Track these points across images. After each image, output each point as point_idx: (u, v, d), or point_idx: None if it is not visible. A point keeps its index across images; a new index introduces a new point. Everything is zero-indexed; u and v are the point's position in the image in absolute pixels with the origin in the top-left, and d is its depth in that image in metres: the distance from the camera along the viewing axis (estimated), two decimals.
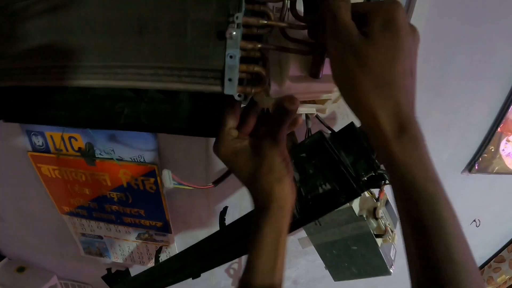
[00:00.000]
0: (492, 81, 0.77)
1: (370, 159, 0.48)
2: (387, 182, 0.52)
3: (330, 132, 0.54)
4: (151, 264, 1.19)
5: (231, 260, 0.69)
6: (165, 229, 1.06)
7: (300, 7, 0.41)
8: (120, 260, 1.26)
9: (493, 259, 1.34)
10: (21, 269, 1.64)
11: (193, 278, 0.81)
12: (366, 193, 0.64)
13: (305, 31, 0.35)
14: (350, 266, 0.69)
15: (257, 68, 0.33)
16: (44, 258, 1.57)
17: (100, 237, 1.20)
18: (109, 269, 1.19)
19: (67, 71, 0.37)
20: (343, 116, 0.76)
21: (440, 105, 0.80)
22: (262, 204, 0.38)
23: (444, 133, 0.86)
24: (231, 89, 0.33)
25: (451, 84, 0.75)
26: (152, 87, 0.34)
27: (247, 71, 0.33)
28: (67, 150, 0.92)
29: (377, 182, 0.49)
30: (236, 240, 0.65)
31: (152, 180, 0.90)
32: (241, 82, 0.34)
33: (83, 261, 1.38)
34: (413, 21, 0.62)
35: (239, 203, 0.99)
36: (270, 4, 0.34)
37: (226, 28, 0.31)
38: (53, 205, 1.14)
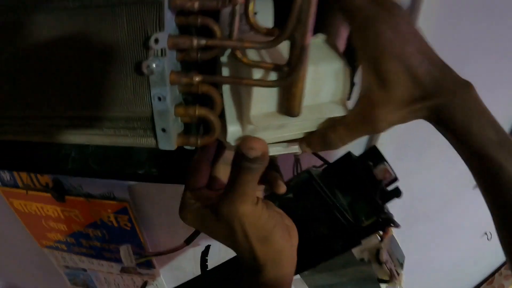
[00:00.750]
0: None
1: (372, 200, 0.39)
2: (396, 226, 0.44)
3: (322, 164, 0.46)
4: None
5: None
6: (148, 264, 0.98)
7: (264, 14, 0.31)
8: None
9: (503, 267, 1.31)
10: None
11: None
12: None
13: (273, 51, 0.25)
14: None
15: (200, 111, 0.24)
16: None
17: (84, 270, 1.12)
18: None
19: None
20: None
21: None
22: (253, 271, 0.30)
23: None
24: (168, 142, 0.24)
25: None
26: (72, 141, 0.26)
27: (187, 114, 0.24)
28: (34, 185, 0.84)
29: (380, 227, 0.40)
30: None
31: (125, 217, 0.82)
32: (187, 128, 0.25)
33: None
34: (421, 23, 0.54)
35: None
36: (226, 10, 0.25)
37: (146, 57, 0.21)
38: (31, 239, 1.08)
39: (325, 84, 0.27)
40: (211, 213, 0.29)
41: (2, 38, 0.25)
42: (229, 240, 0.30)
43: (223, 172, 0.32)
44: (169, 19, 0.22)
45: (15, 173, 0.84)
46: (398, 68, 0.25)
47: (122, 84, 0.23)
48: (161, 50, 0.21)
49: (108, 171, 0.40)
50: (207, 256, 0.65)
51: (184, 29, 0.23)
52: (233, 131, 0.26)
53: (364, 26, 0.25)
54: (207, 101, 0.25)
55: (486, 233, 1.10)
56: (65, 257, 1.08)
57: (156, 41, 0.21)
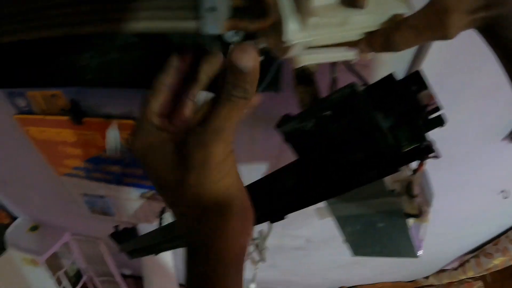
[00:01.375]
0: None
1: (415, 125, 0.36)
2: (437, 157, 0.41)
3: (362, 84, 0.42)
4: (157, 222, 1.15)
5: None
6: None
7: None
8: (125, 219, 1.23)
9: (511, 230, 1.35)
10: (34, 228, 1.69)
11: None
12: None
13: None
14: (374, 244, 0.61)
15: None
16: (55, 217, 1.59)
17: (102, 197, 1.16)
18: (116, 226, 1.15)
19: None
20: (379, 64, 0.59)
21: (494, 62, 0.68)
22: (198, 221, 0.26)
23: (493, 94, 0.74)
24: (215, 24, 0.20)
25: None
26: (103, 29, 0.22)
27: None
28: (51, 110, 0.82)
29: (421, 156, 0.38)
30: None
31: None
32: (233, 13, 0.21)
33: (91, 218, 1.37)
34: None
35: (250, 165, 0.91)
36: None
37: None
38: (48, 167, 1.09)
39: None
40: (169, 145, 0.25)
41: None
42: (177, 183, 0.25)
43: (189, 109, 0.25)
44: None
45: (31, 98, 0.83)
46: None
47: None
48: None
49: (130, 81, 0.37)
50: None
51: None
52: (293, 28, 0.23)
53: None
54: None
55: (503, 191, 1.08)
56: (83, 184, 1.10)
57: None
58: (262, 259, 1.26)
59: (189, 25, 0.20)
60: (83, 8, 0.24)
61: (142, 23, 0.21)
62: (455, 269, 1.60)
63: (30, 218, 1.69)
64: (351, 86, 0.36)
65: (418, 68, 0.61)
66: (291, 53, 0.27)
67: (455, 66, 0.65)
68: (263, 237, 1.18)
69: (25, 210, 1.64)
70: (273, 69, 0.46)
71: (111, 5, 0.22)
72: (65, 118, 0.82)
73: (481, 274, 1.49)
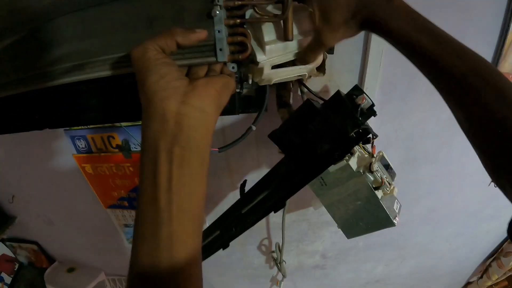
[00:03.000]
0: None
1: (354, 118, 0.57)
2: (375, 137, 0.62)
3: (322, 102, 0.64)
4: None
5: (252, 225, 0.78)
6: None
7: None
8: None
9: None
10: (71, 270, 1.80)
11: (223, 249, 0.90)
12: (363, 152, 0.73)
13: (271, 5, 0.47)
14: (358, 222, 0.77)
15: (240, 38, 0.44)
16: (92, 257, 1.70)
17: None
18: None
19: (99, 64, 0.47)
20: (334, 88, 0.84)
21: None
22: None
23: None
24: (223, 56, 0.43)
25: None
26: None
27: (233, 42, 0.44)
28: (106, 148, 1.06)
29: (364, 136, 0.58)
30: (255, 205, 0.75)
31: None
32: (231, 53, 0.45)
33: (127, 254, 1.48)
34: None
35: (258, 177, 1.06)
36: None
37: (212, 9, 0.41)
38: (97, 201, 1.27)
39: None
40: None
41: None
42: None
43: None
44: None
45: (89, 140, 1.07)
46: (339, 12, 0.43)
47: (198, 25, 0.42)
48: (220, 6, 0.41)
49: None
50: (244, 187, 0.83)
51: None
52: (259, 54, 0.49)
53: None
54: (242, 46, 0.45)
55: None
56: (125, 214, 1.29)
57: (218, 1, 0.41)
58: (283, 275, 1.34)
59: (211, 59, 0.43)
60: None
61: (185, 61, 0.43)
62: (480, 277, 1.60)
63: (68, 259, 1.80)
64: (307, 100, 0.59)
65: (362, 86, 0.84)
66: (265, 72, 0.51)
67: (397, 75, 0.83)
68: (279, 248, 1.29)
69: (64, 251, 1.75)
70: (266, 97, 0.68)
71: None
72: (118, 154, 1.05)
73: (506, 276, 1.48)
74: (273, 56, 0.50)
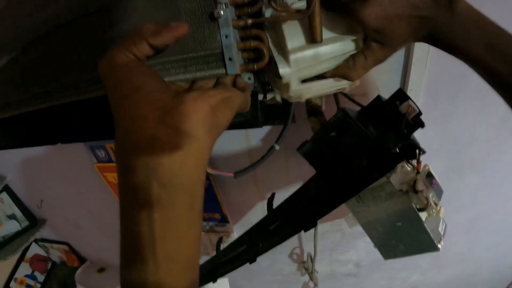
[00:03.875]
0: None
1: (398, 130, 0.48)
2: (422, 153, 0.52)
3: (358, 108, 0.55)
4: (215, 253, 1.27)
5: (281, 243, 0.72)
6: (224, 220, 1.12)
7: None
8: None
9: None
10: (101, 270, 1.82)
11: (250, 263, 0.84)
12: (407, 167, 0.63)
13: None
14: (398, 243, 0.68)
15: (254, 43, 0.34)
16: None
17: None
18: None
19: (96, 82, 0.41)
20: (373, 90, 0.74)
21: None
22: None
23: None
24: (233, 68, 0.34)
25: None
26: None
27: (245, 48, 0.34)
28: None
29: (409, 152, 0.49)
30: (284, 222, 0.68)
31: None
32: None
33: None
34: None
35: (287, 190, 1.02)
36: None
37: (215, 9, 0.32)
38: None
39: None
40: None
41: None
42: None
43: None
44: None
45: (109, 149, 1.04)
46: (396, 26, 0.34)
47: (201, 29, 0.34)
48: (225, 4, 0.32)
49: None
50: (272, 201, 0.77)
51: None
52: (282, 66, 0.37)
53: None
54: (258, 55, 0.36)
55: None
56: None
57: None
58: (315, 283, 1.29)
59: (219, 71, 0.34)
60: None
61: (188, 75, 0.35)
62: None
63: (99, 260, 1.83)
64: (342, 109, 0.50)
65: (405, 88, 0.74)
66: (293, 88, 0.39)
67: (444, 76, 0.74)
68: (311, 258, 1.23)
69: (95, 252, 1.79)
70: (291, 109, 0.60)
71: (177, 64, 0.37)
72: None
73: None
74: (301, 67, 0.38)
